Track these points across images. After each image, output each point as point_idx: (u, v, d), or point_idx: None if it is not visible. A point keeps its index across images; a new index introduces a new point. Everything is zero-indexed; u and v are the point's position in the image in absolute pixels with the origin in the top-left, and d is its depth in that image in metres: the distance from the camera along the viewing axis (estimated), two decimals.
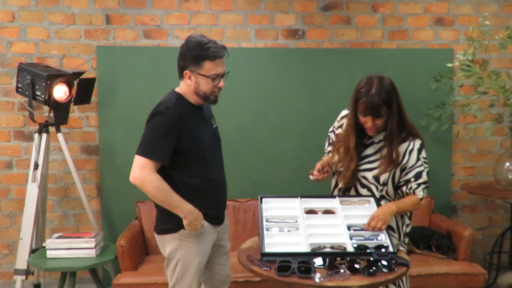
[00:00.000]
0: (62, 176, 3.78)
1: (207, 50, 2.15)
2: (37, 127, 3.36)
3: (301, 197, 2.46)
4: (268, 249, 2.10)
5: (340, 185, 2.47)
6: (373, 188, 2.36)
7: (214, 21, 3.77)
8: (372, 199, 2.36)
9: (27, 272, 3.23)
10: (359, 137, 2.37)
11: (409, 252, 3.24)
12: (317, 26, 3.85)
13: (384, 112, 2.26)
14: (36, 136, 3.33)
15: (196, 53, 2.15)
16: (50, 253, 3.09)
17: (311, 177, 2.45)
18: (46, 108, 3.45)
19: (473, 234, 3.32)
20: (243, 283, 3.07)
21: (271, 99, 3.81)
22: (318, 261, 2.01)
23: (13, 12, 3.65)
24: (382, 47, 3.89)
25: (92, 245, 3.11)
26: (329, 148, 2.60)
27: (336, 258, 2.04)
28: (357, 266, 1.97)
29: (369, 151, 2.38)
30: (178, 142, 2.16)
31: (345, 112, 2.53)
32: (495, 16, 3.89)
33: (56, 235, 3.22)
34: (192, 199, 2.20)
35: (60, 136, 3.38)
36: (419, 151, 2.33)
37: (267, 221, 2.30)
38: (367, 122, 2.28)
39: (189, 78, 2.20)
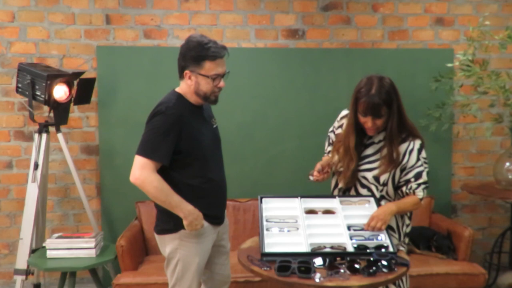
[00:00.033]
0: (62, 176, 3.78)
1: (207, 50, 2.15)
2: (37, 127, 3.36)
3: (301, 197, 2.46)
4: (268, 249, 2.10)
5: (340, 185, 2.47)
6: (373, 188, 2.36)
7: (214, 21, 3.77)
8: (372, 199, 2.36)
9: (27, 272, 3.23)
10: (359, 137, 2.37)
11: (409, 252, 3.24)
12: (317, 26, 3.85)
13: (384, 112, 2.26)
14: (36, 136, 3.33)
15: (196, 53, 2.15)
16: (50, 253, 3.09)
17: (311, 177, 2.45)
18: (46, 108, 3.45)
19: (473, 234, 3.32)
20: (243, 283, 3.07)
21: (271, 99, 3.81)
22: (318, 261, 2.01)
23: (13, 12, 3.65)
24: (382, 47, 3.89)
25: (92, 245, 3.11)
26: (329, 148, 2.60)
27: (336, 258, 2.04)
28: (357, 266, 1.97)
29: (369, 151, 2.38)
30: (178, 142, 2.16)
31: (345, 112, 2.53)
32: (495, 16, 3.90)
33: (56, 235, 3.22)
34: (192, 199, 2.20)
35: (60, 136, 3.38)
36: (419, 151, 2.33)
37: (267, 221, 2.30)
38: (367, 122, 2.28)
39: (189, 78, 2.20)
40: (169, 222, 2.24)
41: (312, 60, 3.80)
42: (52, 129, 3.39)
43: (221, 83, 2.23)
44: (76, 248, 3.10)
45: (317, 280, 1.88)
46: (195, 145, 2.21)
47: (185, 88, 2.25)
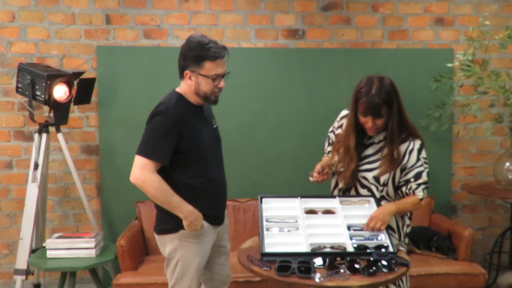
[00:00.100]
0: (62, 176, 3.78)
1: (207, 50, 2.15)
2: (37, 127, 3.36)
3: (301, 197, 2.46)
4: (268, 249, 2.10)
5: (340, 186, 2.47)
6: (373, 188, 2.36)
7: (214, 21, 3.77)
8: (372, 199, 2.36)
9: (27, 272, 3.23)
10: (359, 137, 2.37)
11: (409, 252, 3.24)
12: (317, 26, 3.85)
13: (385, 112, 2.26)
14: (36, 136, 3.33)
15: (196, 53, 2.15)
16: (50, 253, 3.09)
17: (310, 178, 2.45)
18: (46, 108, 3.45)
19: (473, 234, 3.32)
20: (243, 283, 3.07)
21: (271, 99, 3.81)
22: (318, 261, 2.01)
23: (13, 12, 3.65)
24: (382, 47, 3.89)
25: (92, 245, 3.11)
26: (329, 148, 2.60)
27: (336, 258, 2.04)
28: (357, 266, 1.97)
29: (369, 151, 2.38)
30: (178, 142, 2.16)
31: (344, 112, 2.53)
32: (495, 16, 3.90)
33: (56, 235, 3.22)
34: (192, 199, 2.20)
35: (60, 136, 3.38)
36: (419, 151, 2.33)
37: (267, 221, 2.30)
38: (367, 122, 2.28)
39: (190, 78, 2.20)
40: (169, 222, 2.24)
41: (312, 60, 3.80)
42: (52, 129, 3.39)
43: (221, 84, 2.23)
44: (76, 248, 3.10)
45: (317, 280, 1.88)
46: (195, 145, 2.21)
47: (186, 88, 2.25)
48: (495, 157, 3.83)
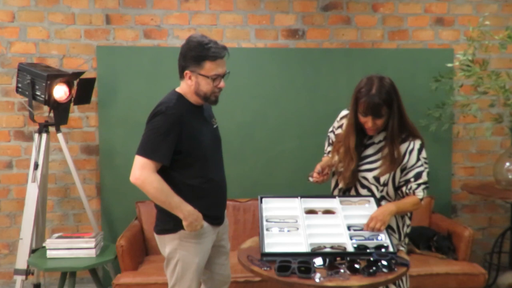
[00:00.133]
0: (62, 176, 3.78)
1: (207, 50, 2.15)
2: (37, 127, 3.36)
3: (301, 197, 2.46)
4: (268, 249, 2.10)
5: (340, 185, 2.47)
6: (374, 188, 2.36)
7: (214, 21, 3.77)
8: (372, 199, 2.36)
9: (27, 272, 3.23)
10: (359, 137, 2.37)
11: (409, 252, 3.25)
12: (317, 26, 3.85)
13: (385, 112, 2.26)
14: (36, 136, 3.33)
15: (196, 53, 2.15)
16: (50, 253, 3.09)
17: (310, 179, 2.45)
18: (46, 108, 3.45)
19: (473, 234, 3.32)
20: (243, 283, 3.07)
21: (271, 99, 3.81)
22: (318, 261, 2.01)
23: (13, 12, 3.65)
24: (382, 47, 3.89)
25: (92, 245, 3.11)
26: (329, 148, 2.60)
27: (336, 258, 2.04)
28: (357, 266, 1.96)
29: (369, 151, 2.38)
30: (178, 142, 2.16)
31: (344, 112, 2.53)
32: (495, 16, 3.90)
33: (56, 235, 3.22)
34: (192, 199, 2.20)
35: (60, 136, 3.38)
36: (419, 151, 2.33)
37: (267, 221, 2.30)
38: (368, 122, 2.28)
39: (190, 78, 2.20)
40: (168, 222, 2.24)
41: (312, 60, 3.80)
42: (52, 129, 3.39)
43: (221, 84, 2.23)
44: (76, 248, 3.10)
45: (317, 280, 1.88)
46: (195, 145, 2.21)
47: (186, 88, 2.25)
48: (495, 157, 3.83)
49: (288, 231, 2.24)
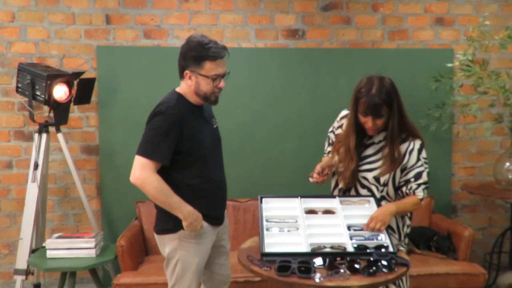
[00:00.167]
0: (62, 176, 3.78)
1: (207, 50, 2.15)
2: (37, 127, 3.36)
3: (301, 197, 2.46)
4: (268, 249, 2.10)
5: (340, 186, 2.47)
6: (374, 188, 2.36)
7: (214, 21, 3.77)
8: (372, 199, 2.36)
9: (27, 272, 3.23)
10: (359, 137, 2.37)
11: (409, 252, 3.25)
12: (317, 26, 3.85)
13: (385, 112, 2.26)
14: (36, 136, 3.33)
15: (196, 53, 2.15)
16: (50, 253, 3.09)
17: (310, 179, 2.45)
18: (46, 108, 3.45)
19: (473, 234, 3.32)
20: (243, 283, 3.07)
21: (271, 99, 3.81)
22: (318, 261, 2.01)
23: (13, 12, 3.65)
24: (382, 47, 3.89)
25: (92, 245, 3.11)
26: (329, 149, 2.60)
27: (336, 258, 2.04)
28: (357, 266, 1.96)
29: (369, 151, 2.38)
30: (178, 142, 2.16)
31: (344, 112, 2.53)
32: (495, 16, 3.90)
33: (56, 235, 3.22)
34: (192, 199, 2.20)
35: (60, 136, 3.38)
36: (419, 151, 2.33)
37: (267, 221, 2.30)
38: (368, 122, 2.28)
39: (190, 78, 2.20)
40: (168, 222, 2.24)
41: (312, 60, 3.80)
42: (52, 129, 3.39)
43: (221, 84, 2.23)
44: (76, 248, 3.10)
45: (317, 280, 1.88)
46: (195, 145, 2.21)
47: (186, 88, 2.25)
48: (495, 157, 3.83)
49: (288, 231, 2.24)
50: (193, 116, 2.24)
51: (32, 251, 3.28)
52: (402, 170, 2.33)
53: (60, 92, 3.26)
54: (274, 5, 3.80)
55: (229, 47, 2.24)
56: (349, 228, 2.25)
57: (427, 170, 2.33)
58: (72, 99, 3.37)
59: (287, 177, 3.81)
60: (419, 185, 2.30)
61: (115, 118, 3.71)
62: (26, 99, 3.26)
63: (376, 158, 2.35)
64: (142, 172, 2.11)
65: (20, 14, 3.65)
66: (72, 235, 3.19)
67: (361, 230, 2.25)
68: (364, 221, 2.25)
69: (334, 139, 2.55)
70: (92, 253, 3.11)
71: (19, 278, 3.21)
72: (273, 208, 2.41)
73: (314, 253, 2.08)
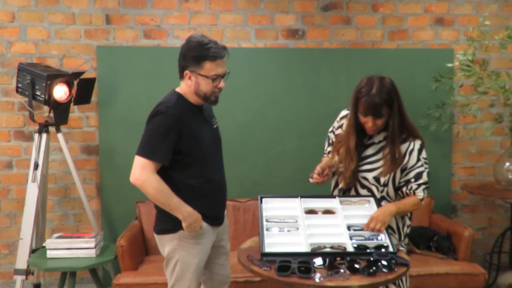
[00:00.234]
0: (62, 176, 3.78)
1: (207, 50, 2.15)
2: (37, 127, 3.36)
3: (301, 197, 2.46)
4: (268, 249, 2.10)
5: (340, 186, 2.47)
6: (374, 189, 2.36)
7: (214, 21, 3.77)
8: (372, 199, 2.36)
9: (27, 272, 3.23)
10: (359, 137, 2.37)
11: (409, 252, 3.25)
12: (317, 26, 3.85)
13: (385, 112, 2.25)
14: (36, 136, 3.33)
15: (196, 53, 2.15)
16: (50, 253, 3.09)
17: (310, 180, 2.45)
18: (46, 108, 3.45)
19: (473, 234, 3.32)
20: (243, 283, 3.07)
21: (271, 99, 3.81)
22: (318, 261, 2.01)
23: (13, 12, 3.65)
24: (382, 47, 3.89)
25: (92, 245, 3.11)
26: (329, 149, 2.60)
27: (336, 258, 2.04)
28: (357, 266, 1.96)
29: (369, 151, 2.38)
30: (178, 142, 2.16)
31: (344, 112, 2.53)
32: (495, 16, 3.90)
33: (56, 235, 3.22)
34: (192, 199, 2.20)
35: (60, 136, 3.38)
36: (420, 151, 2.33)
37: (267, 221, 2.30)
38: (368, 122, 2.28)
39: (190, 78, 2.20)
40: (168, 222, 2.24)
41: (312, 60, 3.80)
42: (52, 129, 3.39)
43: (221, 84, 2.23)
44: (76, 248, 3.10)
45: (317, 280, 1.88)
46: (195, 145, 2.21)
47: (185, 88, 2.25)
48: (495, 157, 3.83)
49: (288, 231, 2.24)
50: (193, 116, 2.24)
51: (32, 251, 3.28)
52: (402, 171, 2.33)
53: (60, 92, 3.26)
54: (274, 5, 3.80)
55: (229, 47, 2.24)
56: (349, 228, 2.25)
57: (427, 170, 2.33)
58: (72, 99, 3.37)
59: (287, 177, 3.81)
60: (419, 185, 2.30)
61: (115, 118, 3.71)
62: (26, 99, 3.26)
63: (376, 158, 2.35)
64: (142, 172, 2.11)
65: (20, 14, 3.65)
66: (72, 235, 3.19)
67: (361, 230, 2.25)
68: (364, 221, 2.25)
69: (334, 139, 2.55)
70: (92, 253, 3.11)
71: (19, 278, 3.21)
72: (273, 208, 2.41)
73: (314, 253, 2.08)
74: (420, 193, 2.30)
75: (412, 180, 2.30)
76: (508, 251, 3.83)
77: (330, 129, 2.62)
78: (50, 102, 3.23)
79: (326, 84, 3.82)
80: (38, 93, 3.21)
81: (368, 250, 2.10)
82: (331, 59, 3.81)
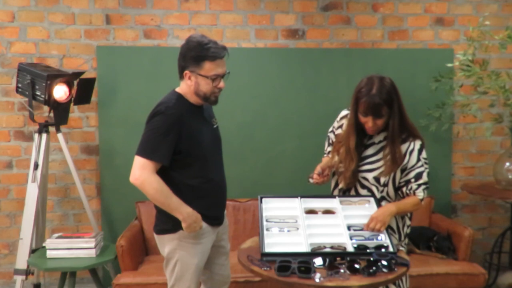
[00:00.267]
0: (62, 176, 3.78)
1: (207, 50, 2.14)
2: (37, 127, 3.36)
3: (301, 197, 2.46)
4: (268, 249, 2.10)
5: (340, 186, 2.47)
6: (374, 189, 2.36)
7: (214, 21, 3.77)
8: (372, 199, 2.36)
9: (27, 272, 3.23)
10: (359, 137, 2.37)
11: (409, 252, 3.25)
12: (317, 26, 3.85)
13: (385, 112, 2.25)
14: (36, 136, 3.33)
15: (196, 53, 2.15)
16: (50, 253, 3.09)
17: (311, 180, 2.45)
18: (46, 108, 3.45)
19: (473, 234, 3.32)
20: (243, 283, 3.07)
21: (271, 99, 3.81)
22: (318, 261, 2.01)
23: (13, 12, 3.65)
24: (382, 47, 3.89)
25: (92, 245, 3.11)
26: (329, 149, 2.60)
27: (336, 258, 2.04)
28: (357, 266, 1.96)
29: (369, 151, 2.38)
30: (178, 142, 2.16)
31: (344, 112, 2.53)
32: (495, 16, 3.90)
33: (56, 235, 3.22)
34: (192, 199, 2.20)
35: (60, 136, 3.38)
36: (420, 151, 2.32)
37: (267, 221, 2.30)
38: (368, 122, 2.28)
39: (189, 78, 2.20)
40: (168, 223, 2.24)
41: (312, 60, 3.80)
42: (52, 129, 3.39)
43: (221, 84, 2.22)
44: (76, 248, 3.10)
45: (317, 280, 1.88)
46: (195, 145, 2.21)
47: (185, 88, 2.24)
48: (495, 157, 3.83)
49: (288, 231, 2.24)
50: (192, 116, 2.24)
51: (32, 251, 3.28)
52: (402, 171, 2.33)
53: (60, 92, 3.26)
54: (274, 5, 3.80)
55: (229, 47, 2.24)
56: (349, 228, 2.25)
57: (427, 170, 2.33)
58: (72, 99, 3.37)
59: (287, 177, 3.81)
60: (419, 185, 2.30)
61: (115, 118, 3.71)
62: (26, 99, 3.26)
63: (377, 159, 2.35)
64: (142, 172, 2.11)
65: (20, 14, 3.65)
66: (72, 235, 3.19)
67: (361, 230, 2.25)
68: (364, 221, 2.25)
69: (334, 139, 2.54)
70: (92, 253, 3.11)
71: (19, 278, 3.21)
72: (273, 208, 2.41)
73: (314, 253, 2.08)
74: (420, 193, 2.30)
75: (412, 180, 2.30)
76: (508, 251, 3.83)
77: (330, 129, 2.62)
78: (50, 102, 3.23)
79: (326, 84, 3.82)
80: (38, 93, 3.21)
81: (368, 250, 2.10)
82: (331, 59, 3.81)
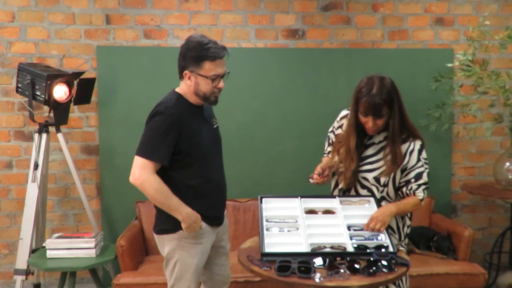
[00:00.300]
0: (62, 176, 3.78)
1: (207, 50, 2.14)
2: (37, 127, 3.36)
3: (301, 197, 2.46)
4: (268, 249, 2.10)
5: (340, 186, 2.47)
6: (374, 189, 2.36)
7: (214, 21, 3.77)
8: (372, 199, 2.36)
9: (27, 272, 3.23)
10: (359, 137, 2.37)
11: (409, 252, 3.25)
12: (317, 26, 3.85)
13: (385, 112, 2.25)
14: (36, 136, 3.33)
15: (196, 53, 2.15)
16: (50, 253, 3.09)
17: (311, 180, 2.44)
18: (46, 108, 3.45)
19: (473, 234, 3.32)
20: (243, 283, 3.07)
21: (271, 99, 3.81)
22: (318, 261, 2.01)
23: (13, 12, 3.65)
24: (382, 47, 3.89)
25: (92, 245, 3.11)
26: (329, 149, 2.60)
27: (336, 258, 2.03)
28: (357, 266, 1.96)
29: (369, 151, 2.38)
30: (178, 143, 2.16)
31: (344, 112, 2.53)
32: (495, 16, 3.90)
33: (56, 235, 3.22)
34: (192, 199, 2.20)
35: (60, 136, 3.38)
36: (420, 151, 2.32)
37: (267, 221, 2.30)
38: (368, 122, 2.28)
39: (189, 78, 2.20)
40: (167, 223, 2.24)
41: (312, 60, 3.80)
42: (52, 129, 3.39)
43: (221, 84, 2.22)
44: (76, 248, 3.10)
45: (317, 280, 1.88)
46: (195, 145, 2.21)
47: (185, 88, 2.24)
48: (495, 157, 3.83)
49: (288, 231, 2.24)
50: (192, 116, 2.24)
51: (32, 251, 3.28)
52: (403, 171, 2.33)
53: (60, 92, 3.26)
54: (274, 5, 3.80)
55: (229, 47, 2.24)
56: (349, 228, 2.25)
57: (427, 170, 2.33)
58: (72, 99, 3.37)
59: (287, 177, 3.81)
60: (419, 185, 2.30)
61: (115, 118, 3.71)
62: (26, 99, 3.26)
63: (377, 159, 2.35)
64: (142, 172, 2.11)
65: (20, 14, 3.65)
66: (72, 235, 3.20)
67: (361, 230, 2.25)
68: (364, 221, 2.25)
69: (334, 139, 2.54)
70: (92, 253, 3.11)
71: (19, 278, 3.21)
72: (273, 208, 2.41)
73: (314, 253, 2.08)
74: (420, 194, 2.30)
75: (412, 180, 2.30)
76: (508, 251, 3.83)
77: (330, 129, 2.62)
78: (50, 102, 3.23)
79: (326, 84, 3.82)
80: (38, 93, 3.21)
81: (368, 250, 2.10)
82: (331, 59, 3.81)
